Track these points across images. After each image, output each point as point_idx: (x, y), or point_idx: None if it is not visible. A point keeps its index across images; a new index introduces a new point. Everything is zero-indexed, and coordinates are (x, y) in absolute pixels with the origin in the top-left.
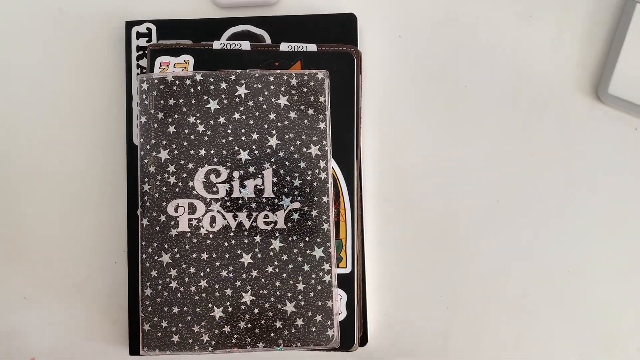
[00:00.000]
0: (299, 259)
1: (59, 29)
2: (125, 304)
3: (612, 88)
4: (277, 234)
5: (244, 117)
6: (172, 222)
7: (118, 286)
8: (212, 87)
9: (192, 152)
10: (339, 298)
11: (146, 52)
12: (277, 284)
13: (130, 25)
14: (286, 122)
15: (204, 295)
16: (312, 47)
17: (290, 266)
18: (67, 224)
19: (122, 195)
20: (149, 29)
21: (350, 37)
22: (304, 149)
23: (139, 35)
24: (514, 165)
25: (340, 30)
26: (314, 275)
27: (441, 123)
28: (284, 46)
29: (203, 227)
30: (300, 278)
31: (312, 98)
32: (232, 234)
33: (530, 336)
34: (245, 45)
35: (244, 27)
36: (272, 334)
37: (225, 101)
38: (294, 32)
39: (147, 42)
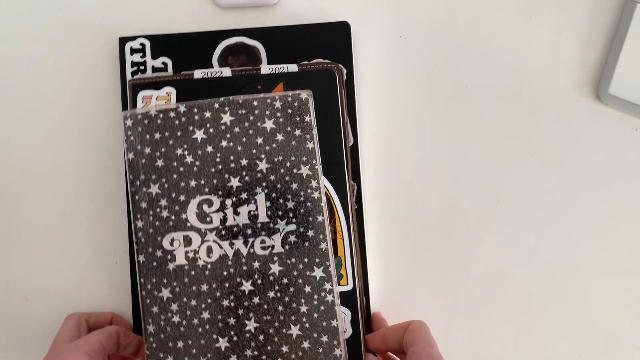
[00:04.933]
0: (300, 281)
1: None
2: (126, 303)
3: (613, 88)
4: (275, 258)
5: (231, 144)
6: (169, 256)
7: (119, 286)
8: (196, 117)
9: (182, 184)
10: (343, 316)
11: (141, 68)
12: (280, 308)
13: (123, 41)
14: (274, 145)
15: (207, 326)
16: (292, 68)
17: (292, 289)
18: (67, 224)
19: (122, 196)
20: (142, 45)
21: (344, 45)
22: (295, 170)
23: (133, 51)
24: (514, 165)
25: (334, 39)
26: (316, 296)
27: (441, 123)
28: (265, 69)
29: (200, 259)
30: (302, 300)
31: (298, 119)
32: (230, 263)
33: (530, 336)
34: (226, 71)
35: (238, 39)
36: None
37: (211, 130)
38: (288, 43)
39: (141, 57)
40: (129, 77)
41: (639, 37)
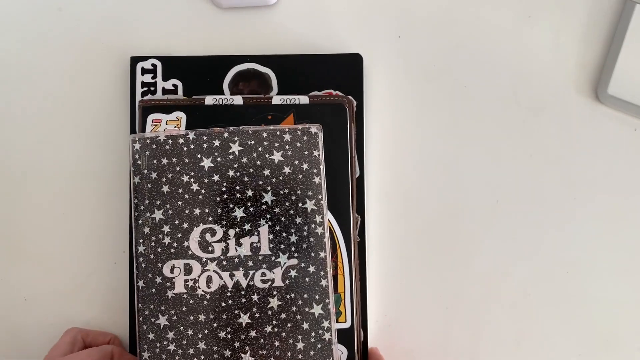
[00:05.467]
0: (298, 317)
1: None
2: (124, 305)
3: (612, 88)
4: (274, 292)
5: (238, 174)
6: (168, 284)
7: (118, 287)
8: (205, 146)
9: (186, 211)
10: (340, 354)
11: (151, 88)
12: (277, 343)
13: (135, 60)
14: (281, 178)
15: (202, 357)
16: (304, 100)
17: (289, 325)
18: (67, 224)
19: (122, 196)
20: (154, 65)
21: (355, 76)
22: (300, 204)
23: (144, 71)
24: (514, 165)
25: (346, 70)
26: (313, 334)
27: (441, 124)
28: (277, 99)
29: (199, 288)
30: (299, 337)
31: (306, 152)
32: (229, 294)
33: (530, 336)
34: (238, 100)
35: (250, 66)
36: None
37: (219, 159)
38: (299, 71)
39: (152, 78)
40: (138, 97)
41: (638, 38)
